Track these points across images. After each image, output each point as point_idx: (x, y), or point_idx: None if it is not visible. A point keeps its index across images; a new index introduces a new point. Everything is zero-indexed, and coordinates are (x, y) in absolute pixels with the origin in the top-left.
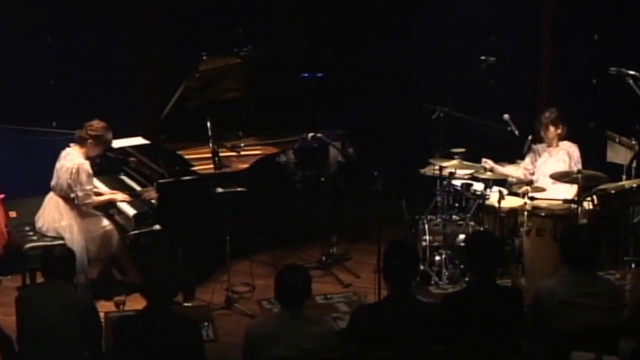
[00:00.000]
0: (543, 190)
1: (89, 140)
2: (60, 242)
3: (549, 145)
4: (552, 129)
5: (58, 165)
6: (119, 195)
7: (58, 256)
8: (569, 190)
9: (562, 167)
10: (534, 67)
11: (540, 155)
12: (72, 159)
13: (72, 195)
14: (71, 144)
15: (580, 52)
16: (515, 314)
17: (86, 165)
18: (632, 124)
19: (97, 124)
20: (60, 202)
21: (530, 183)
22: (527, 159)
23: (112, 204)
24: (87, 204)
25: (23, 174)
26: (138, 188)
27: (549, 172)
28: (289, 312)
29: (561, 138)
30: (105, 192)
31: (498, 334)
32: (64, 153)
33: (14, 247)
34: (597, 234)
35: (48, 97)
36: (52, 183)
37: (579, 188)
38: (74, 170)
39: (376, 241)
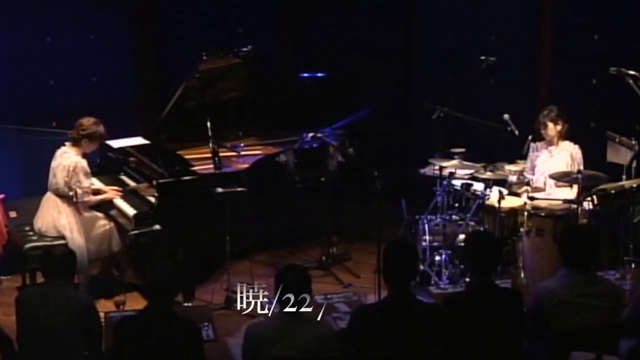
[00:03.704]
0: (543, 190)
1: (84, 140)
2: (61, 242)
3: (550, 144)
4: (551, 125)
5: (54, 164)
6: (113, 192)
7: (58, 256)
8: (571, 193)
9: (564, 168)
10: (534, 67)
11: (539, 153)
12: (69, 157)
13: (71, 192)
14: (66, 143)
15: (580, 52)
16: (515, 314)
17: (84, 163)
18: (632, 124)
19: (87, 122)
20: (58, 200)
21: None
22: (528, 162)
23: (110, 202)
24: (85, 201)
25: (23, 174)
26: None
27: (550, 173)
28: (288, 312)
29: (562, 136)
30: (102, 189)
31: (498, 334)
32: (59, 152)
33: (14, 247)
34: (597, 234)
35: (48, 97)
36: (49, 182)
37: (579, 188)
38: (71, 168)
39: (376, 241)
